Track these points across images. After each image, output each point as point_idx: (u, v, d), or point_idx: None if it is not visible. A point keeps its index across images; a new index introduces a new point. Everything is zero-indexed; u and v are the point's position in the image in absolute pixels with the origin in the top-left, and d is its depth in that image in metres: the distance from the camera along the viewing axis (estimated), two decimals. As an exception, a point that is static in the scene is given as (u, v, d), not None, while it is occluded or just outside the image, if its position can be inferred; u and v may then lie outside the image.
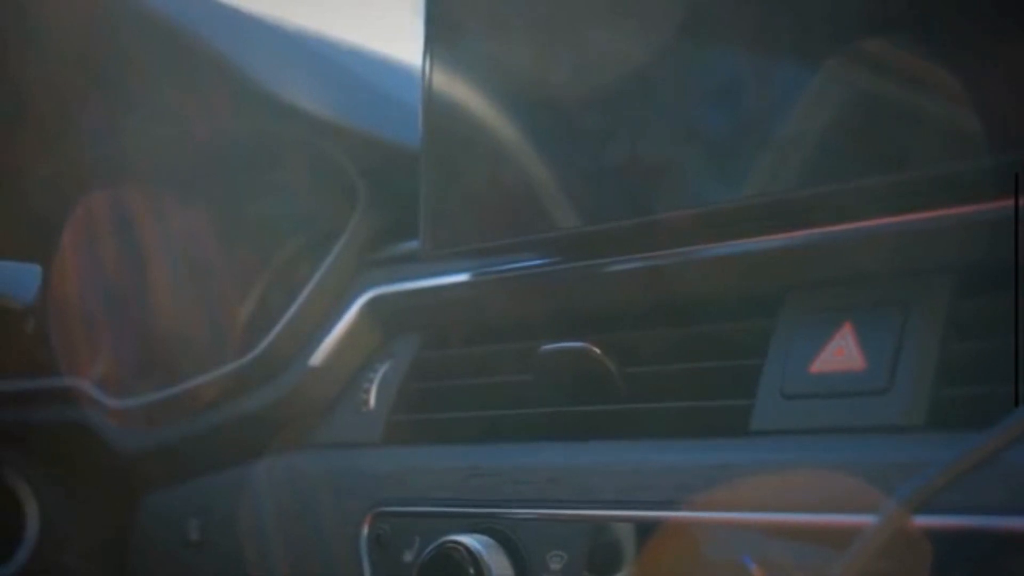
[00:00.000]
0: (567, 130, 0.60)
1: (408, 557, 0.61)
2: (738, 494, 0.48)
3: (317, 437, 0.75)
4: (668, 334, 0.58)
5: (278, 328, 0.78)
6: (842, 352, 0.50)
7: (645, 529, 0.51)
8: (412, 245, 0.71)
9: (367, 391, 0.72)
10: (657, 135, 0.56)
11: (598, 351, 0.59)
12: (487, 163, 0.64)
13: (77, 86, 0.82)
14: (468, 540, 0.57)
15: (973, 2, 0.46)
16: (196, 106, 0.83)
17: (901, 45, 0.48)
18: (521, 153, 0.62)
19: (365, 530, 0.65)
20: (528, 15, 0.63)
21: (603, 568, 0.52)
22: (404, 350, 0.72)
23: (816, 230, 0.52)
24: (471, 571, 0.56)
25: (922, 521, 0.41)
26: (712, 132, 0.54)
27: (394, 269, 0.74)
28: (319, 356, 0.75)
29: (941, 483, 0.40)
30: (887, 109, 0.48)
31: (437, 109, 0.66)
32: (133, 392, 0.86)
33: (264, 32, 0.83)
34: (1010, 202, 0.46)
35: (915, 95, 0.47)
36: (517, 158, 0.62)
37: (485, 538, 0.57)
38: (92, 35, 0.78)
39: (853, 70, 0.49)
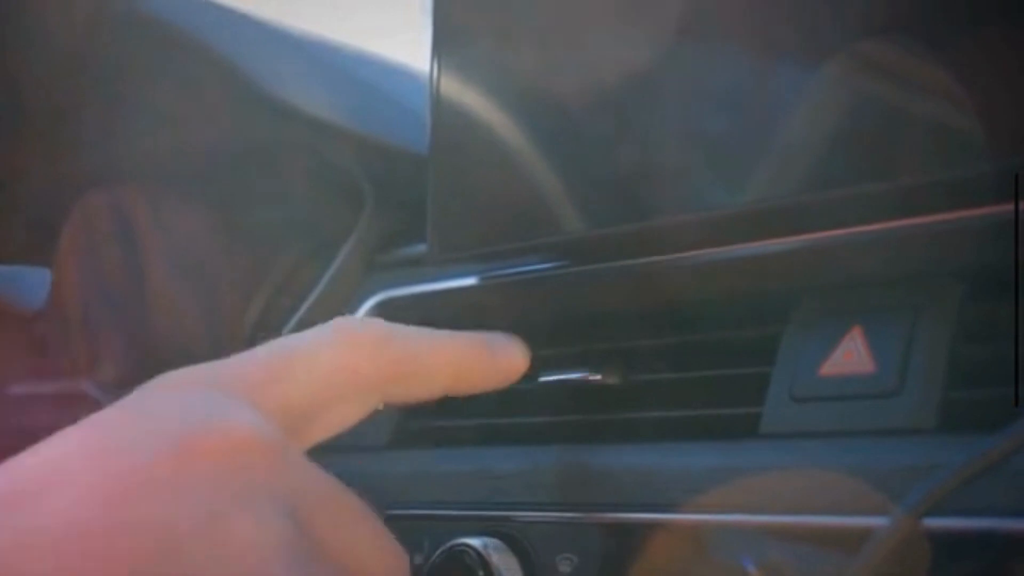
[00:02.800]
0: (574, 135, 0.60)
1: (418, 560, 0.61)
2: (749, 496, 0.48)
3: (325, 441, 0.75)
4: (676, 338, 0.59)
5: (286, 331, 0.78)
6: (852, 355, 0.50)
7: (656, 532, 0.52)
8: (419, 249, 0.71)
9: (375, 395, 0.72)
10: (664, 140, 0.56)
11: (600, 376, 0.59)
12: (494, 167, 0.64)
13: (79, 90, 0.82)
14: (477, 543, 0.57)
15: (974, 7, 0.46)
16: (201, 110, 0.84)
17: (905, 51, 0.48)
18: (528, 157, 0.62)
19: (374, 533, 0.65)
20: (536, 21, 0.63)
21: (613, 571, 0.53)
22: (411, 354, 0.72)
23: (824, 234, 0.52)
24: (480, 574, 0.56)
25: (933, 524, 0.42)
26: (718, 137, 0.55)
27: (402, 273, 0.74)
28: (327, 360, 0.75)
29: (952, 486, 0.40)
30: (891, 114, 0.48)
31: (444, 113, 0.66)
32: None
33: (269, 36, 0.83)
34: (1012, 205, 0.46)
35: (919, 100, 0.48)
36: (524, 162, 0.62)
37: (494, 541, 0.57)
38: (96, 40, 0.78)
39: (857, 76, 0.50)
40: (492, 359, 0.49)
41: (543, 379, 0.61)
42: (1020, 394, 0.44)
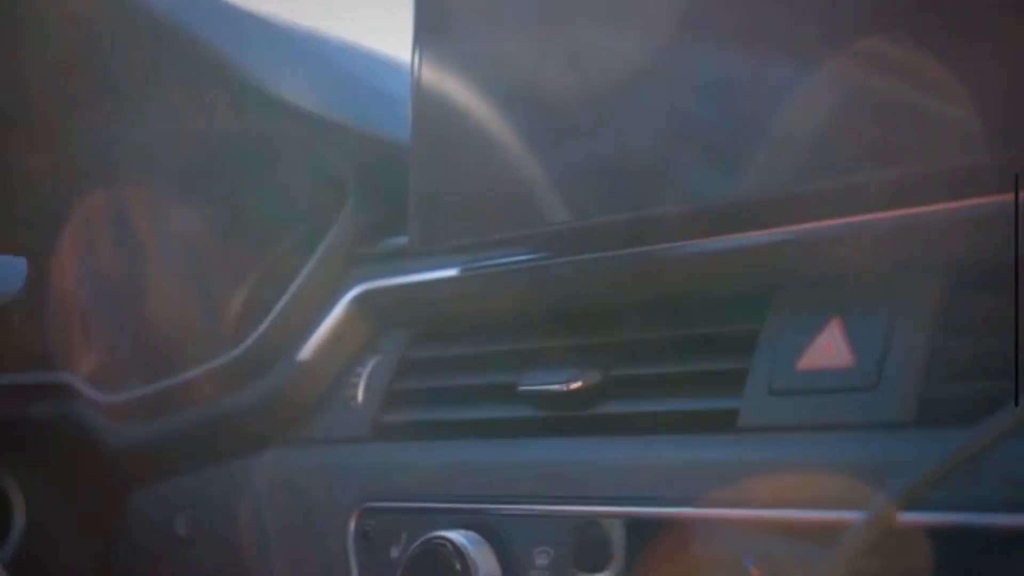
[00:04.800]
0: (558, 125, 0.60)
1: (395, 553, 0.61)
2: (726, 490, 0.48)
3: (305, 432, 0.74)
4: (656, 330, 0.58)
5: (266, 323, 0.77)
6: (830, 348, 0.49)
7: (632, 525, 0.51)
8: (402, 240, 0.71)
9: (355, 387, 0.72)
10: (648, 131, 0.56)
11: (579, 384, 0.58)
12: (477, 158, 0.63)
13: (72, 83, 0.82)
14: (455, 536, 0.57)
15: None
16: (188, 102, 0.83)
17: (897, 40, 0.48)
18: (511, 148, 0.61)
19: (352, 525, 0.65)
20: (518, 10, 0.63)
21: (590, 564, 0.52)
22: (393, 346, 0.72)
23: (806, 226, 0.52)
24: (457, 567, 0.56)
25: (910, 518, 0.41)
26: (704, 128, 0.54)
27: (383, 264, 0.74)
28: (307, 351, 0.75)
29: (929, 480, 0.40)
30: (883, 105, 0.48)
31: (427, 104, 0.66)
32: (122, 387, 0.86)
33: (255, 28, 0.82)
34: (1003, 198, 0.46)
35: (912, 90, 0.47)
36: (507, 153, 0.62)
37: (472, 534, 0.57)
38: (87, 32, 0.78)
39: (847, 65, 0.49)
40: None
41: (523, 388, 0.61)
42: (1020, 390, 0.43)
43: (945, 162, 0.46)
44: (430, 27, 0.67)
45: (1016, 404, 0.42)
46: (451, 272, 0.67)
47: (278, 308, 0.77)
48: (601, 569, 0.52)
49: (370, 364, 0.72)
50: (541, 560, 0.54)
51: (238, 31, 0.81)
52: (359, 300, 0.74)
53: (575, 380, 0.58)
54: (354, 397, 0.71)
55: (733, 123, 0.53)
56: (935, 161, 0.47)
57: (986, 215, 0.47)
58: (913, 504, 0.40)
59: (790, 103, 0.51)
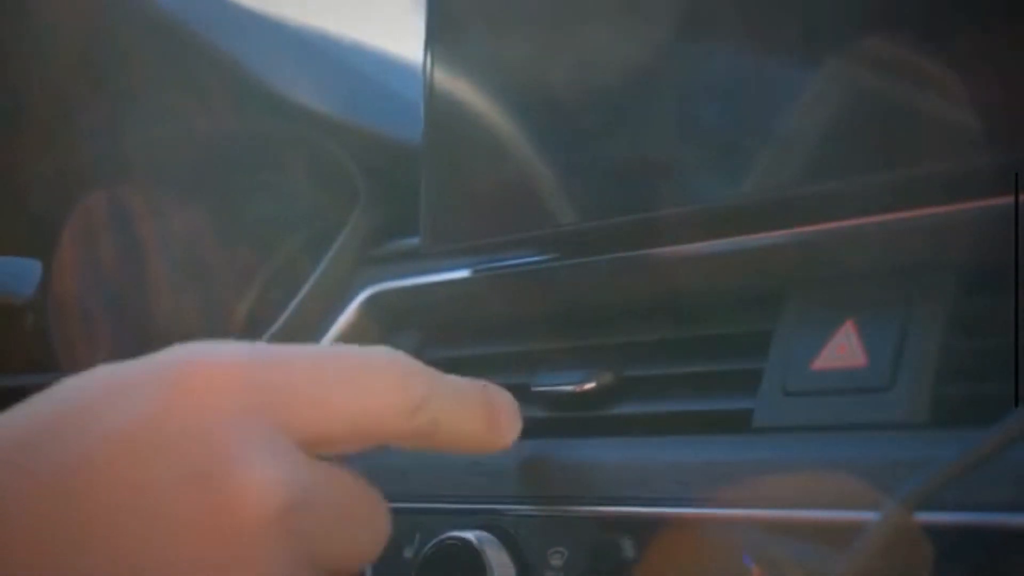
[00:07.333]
0: (568, 127, 0.60)
1: (408, 553, 0.61)
2: (741, 491, 0.48)
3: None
4: (669, 331, 0.58)
5: (277, 325, 0.78)
6: (844, 349, 0.49)
7: (646, 526, 0.51)
8: (413, 241, 0.71)
9: (367, 388, 0.72)
10: (659, 132, 0.56)
11: (593, 384, 0.59)
12: (488, 159, 0.63)
13: (78, 84, 0.82)
14: (469, 536, 0.57)
15: (975, 0, 0.46)
16: (197, 103, 0.83)
17: (903, 43, 0.48)
18: (522, 149, 0.62)
19: (364, 526, 0.65)
20: (530, 12, 0.63)
21: (605, 565, 0.52)
22: (404, 347, 0.71)
23: (818, 227, 0.52)
24: (472, 567, 0.56)
25: (924, 519, 0.41)
26: (714, 129, 0.54)
27: (394, 266, 0.74)
28: (318, 353, 0.75)
29: (943, 481, 0.40)
30: (889, 106, 0.48)
31: (438, 105, 0.66)
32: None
33: (264, 28, 0.82)
34: (1009, 199, 0.46)
35: (917, 92, 0.47)
36: (518, 154, 0.62)
37: (486, 534, 0.57)
38: (93, 33, 0.78)
39: (854, 67, 0.49)
40: (497, 431, 0.48)
41: (535, 389, 0.61)
42: (1020, 391, 0.43)
43: (958, 162, 0.47)
44: (442, 28, 0.67)
45: (1016, 405, 0.42)
46: (463, 273, 0.68)
47: (289, 310, 0.77)
48: (616, 569, 0.52)
49: (381, 365, 0.72)
50: (556, 560, 0.54)
51: (246, 31, 0.81)
52: (370, 302, 0.74)
53: (588, 381, 0.59)
54: (366, 398, 0.71)
55: (741, 125, 0.53)
56: (948, 161, 0.47)
57: (999, 215, 0.47)
58: (927, 505, 0.41)
59: (797, 105, 0.51)
